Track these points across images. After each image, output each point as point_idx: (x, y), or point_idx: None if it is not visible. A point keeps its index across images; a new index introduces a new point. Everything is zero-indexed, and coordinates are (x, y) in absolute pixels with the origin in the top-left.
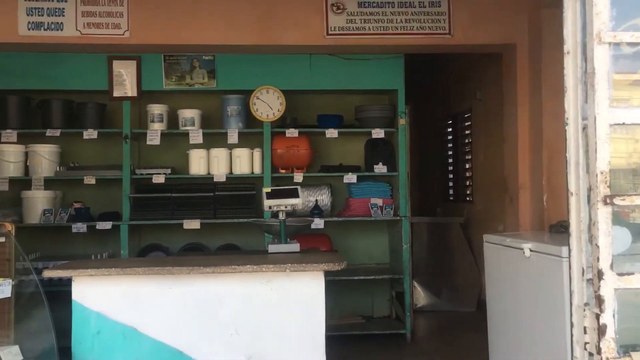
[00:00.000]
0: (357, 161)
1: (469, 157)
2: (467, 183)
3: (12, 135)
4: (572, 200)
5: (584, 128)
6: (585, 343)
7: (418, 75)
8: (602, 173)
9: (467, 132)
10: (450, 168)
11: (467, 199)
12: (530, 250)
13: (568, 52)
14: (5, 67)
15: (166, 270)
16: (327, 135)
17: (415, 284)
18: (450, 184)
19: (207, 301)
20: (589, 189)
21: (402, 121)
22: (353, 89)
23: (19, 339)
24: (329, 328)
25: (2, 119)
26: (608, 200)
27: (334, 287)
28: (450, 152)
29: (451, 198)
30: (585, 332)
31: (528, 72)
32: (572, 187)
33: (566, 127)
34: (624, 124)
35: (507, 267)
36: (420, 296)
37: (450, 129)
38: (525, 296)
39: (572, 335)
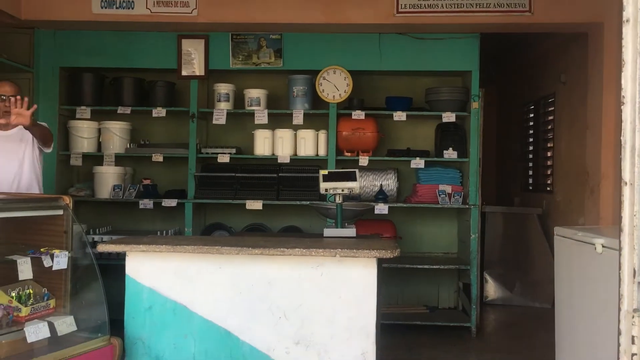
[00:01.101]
0: (426, 146)
1: (551, 144)
2: (548, 172)
3: (86, 111)
4: (626, 191)
5: None
6: (633, 354)
7: (501, 57)
8: None
9: (549, 117)
10: (531, 156)
11: (547, 189)
12: (603, 246)
13: (627, 20)
14: (81, 45)
15: (215, 249)
16: (395, 118)
17: (487, 275)
18: (530, 172)
19: (256, 283)
20: None
21: (475, 105)
22: (424, 70)
23: (74, 310)
24: (391, 316)
25: (77, 95)
26: None
27: (398, 275)
28: (531, 139)
29: (530, 188)
30: (633, 342)
31: (616, 54)
32: (626, 175)
33: (622, 107)
34: None
35: (578, 262)
36: (492, 289)
37: (532, 115)
38: (596, 296)
39: (619, 344)
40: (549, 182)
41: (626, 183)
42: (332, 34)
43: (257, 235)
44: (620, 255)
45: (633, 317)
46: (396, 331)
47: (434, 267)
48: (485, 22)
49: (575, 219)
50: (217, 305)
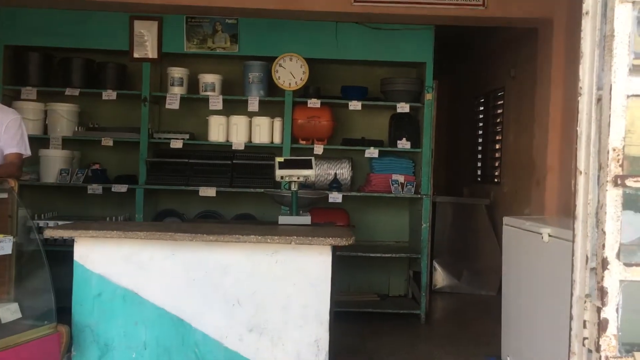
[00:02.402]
0: (381, 136)
1: (499, 137)
2: (496, 164)
3: (32, 92)
4: (580, 180)
5: (599, 100)
6: (584, 338)
7: (453, 50)
8: (614, 150)
9: (499, 111)
10: (480, 148)
11: (495, 180)
12: (549, 235)
13: (587, 13)
14: (27, 23)
15: (168, 235)
16: (351, 108)
17: (436, 264)
18: (479, 164)
19: (211, 270)
20: (599, 168)
21: (429, 96)
22: (379, 60)
23: (19, 297)
24: (342, 304)
25: (23, 75)
26: (619, 181)
27: (350, 263)
28: (480, 132)
29: (479, 179)
30: (584, 327)
31: (564, 50)
32: (581, 165)
33: (579, 98)
34: None
35: (525, 251)
36: (440, 277)
37: (482, 107)
38: (542, 283)
39: (570, 329)
40: (496, 173)
41: (581, 172)
42: (289, 21)
43: (211, 222)
44: (573, 242)
45: (585, 302)
46: (348, 318)
47: (386, 255)
48: (440, 14)
49: (521, 209)
50: (170, 292)
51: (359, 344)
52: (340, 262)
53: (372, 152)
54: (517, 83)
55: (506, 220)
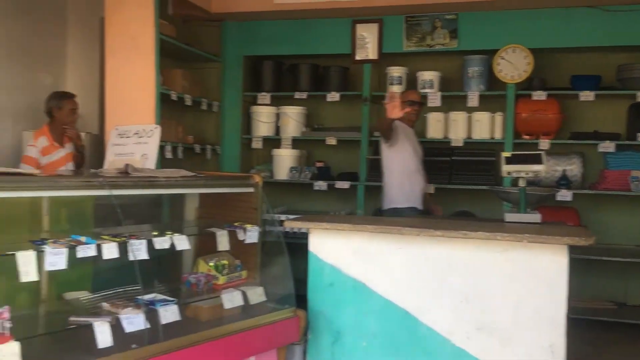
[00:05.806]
0: (616, 128)
1: None
2: None
3: (266, 97)
4: None
5: None
6: None
7: None
8: None
9: None
10: None
11: None
12: None
13: None
14: (262, 34)
15: (395, 229)
16: (581, 99)
17: None
18: None
19: (437, 265)
20: None
21: None
22: (616, 45)
23: (263, 281)
24: (572, 310)
25: (258, 82)
26: None
27: (578, 266)
28: None
29: None
30: None
31: None
32: None
33: None
34: None
35: None
36: None
37: None
38: None
39: None
40: None
41: None
42: (510, 11)
43: (431, 218)
44: None
45: None
46: (578, 326)
47: (624, 259)
48: None
49: None
50: (397, 286)
51: (594, 354)
52: (571, 265)
53: (606, 146)
54: None
55: None
